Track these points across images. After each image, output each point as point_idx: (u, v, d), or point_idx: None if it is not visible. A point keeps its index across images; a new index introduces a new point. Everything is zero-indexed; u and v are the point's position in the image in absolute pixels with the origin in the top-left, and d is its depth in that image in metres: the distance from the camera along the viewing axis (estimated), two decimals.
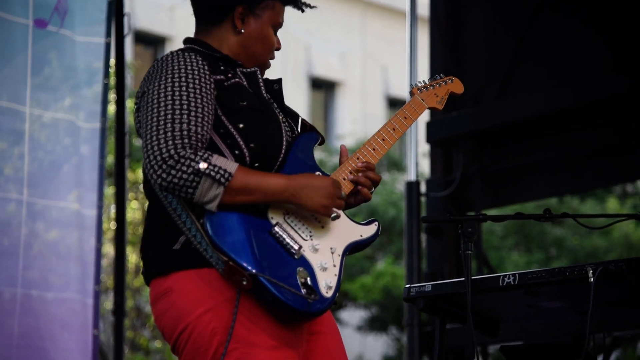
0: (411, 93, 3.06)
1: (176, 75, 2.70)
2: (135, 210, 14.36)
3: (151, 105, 2.68)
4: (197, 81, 2.70)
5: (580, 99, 6.36)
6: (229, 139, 2.71)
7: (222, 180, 2.59)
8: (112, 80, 5.80)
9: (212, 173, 2.59)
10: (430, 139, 7.06)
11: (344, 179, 2.83)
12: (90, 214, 5.14)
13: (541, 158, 6.76)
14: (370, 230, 2.83)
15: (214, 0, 2.89)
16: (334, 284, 2.67)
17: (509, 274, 3.35)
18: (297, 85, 19.67)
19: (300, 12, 2.96)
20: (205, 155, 2.61)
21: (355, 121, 20.13)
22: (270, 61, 2.95)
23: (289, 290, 2.57)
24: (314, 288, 2.60)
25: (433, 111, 3.42)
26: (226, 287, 2.62)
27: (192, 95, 2.68)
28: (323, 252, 2.70)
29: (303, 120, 2.95)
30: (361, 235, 2.80)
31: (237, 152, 2.71)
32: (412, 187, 6.57)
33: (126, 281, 5.82)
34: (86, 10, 5.22)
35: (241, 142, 2.71)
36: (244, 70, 2.85)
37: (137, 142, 15.14)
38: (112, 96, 6.27)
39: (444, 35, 7.12)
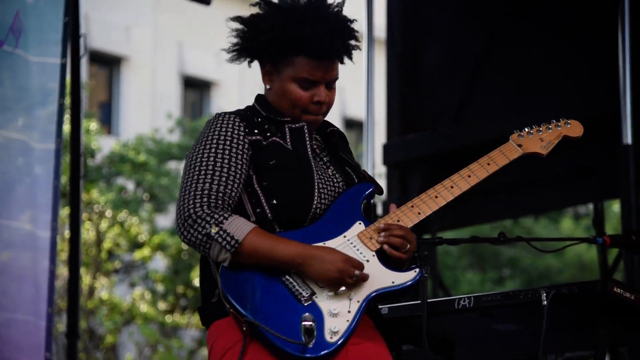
0: (510, 138, 3.03)
1: (209, 138, 2.82)
2: (89, 231, 14.22)
3: (185, 167, 2.83)
4: (228, 143, 2.80)
5: (535, 123, 6.42)
6: (254, 198, 2.80)
7: (228, 247, 2.68)
8: (68, 101, 5.75)
9: (220, 239, 2.68)
10: (386, 161, 7.09)
11: (371, 238, 2.81)
12: (44, 235, 5.08)
13: (497, 181, 6.79)
14: (406, 277, 2.75)
15: (251, 60, 2.95)
16: (342, 329, 2.65)
17: (464, 297, 3.38)
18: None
19: (340, 63, 2.92)
20: (221, 217, 2.70)
21: None
22: (320, 117, 2.91)
23: (279, 337, 2.61)
24: (314, 334, 2.62)
25: (530, 156, 3.07)
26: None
27: (220, 156, 2.78)
28: (339, 299, 2.70)
29: (364, 172, 2.99)
30: (393, 282, 2.74)
31: (258, 210, 2.79)
32: (369, 209, 6.60)
33: (80, 303, 5.76)
34: (41, 31, 5.17)
35: (263, 200, 2.79)
36: (292, 126, 2.90)
37: (92, 162, 15.02)
38: (67, 117, 6.22)
39: (401, 60, 7.17)
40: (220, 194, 2.74)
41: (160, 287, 15.25)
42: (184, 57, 20.20)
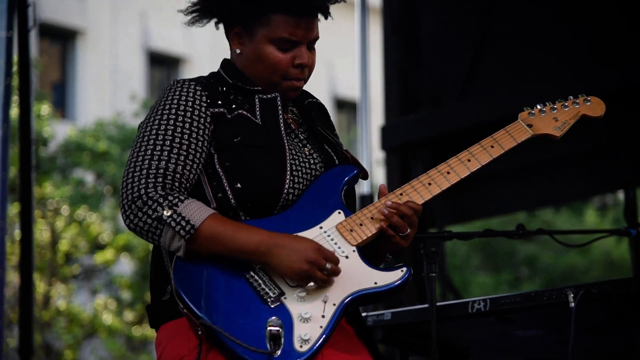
0: (519, 117, 2.97)
1: (165, 108, 2.78)
2: (42, 231, 14.19)
3: (136, 139, 2.78)
4: (189, 115, 2.76)
5: (550, 98, 6.41)
6: (215, 181, 2.76)
7: (183, 233, 2.64)
8: (15, 81, 5.71)
9: (173, 224, 2.64)
10: (385, 145, 7.08)
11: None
12: None
13: (509, 166, 6.82)
14: (390, 277, 2.70)
15: (217, 21, 2.92)
16: (313, 337, 2.61)
17: (478, 299, 3.37)
18: None
19: (324, 18, 2.89)
20: (176, 200, 2.66)
21: None
22: (301, 83, 2.89)
23: (240, 344, 2.56)
24: (281, 341, 2.55)
25: (542, 138, 2.99)
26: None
27: (177, 130, 2.74)
28: (311, 300, 2.65)
29: (346, 152, 2.95)
30: (375, 283, 2.69)
31: (220, 194, 2.75)
32: (366, 201, 6.59)
33: (33, 314, 5.73)
34: None
35: (225, 184, 2.75)
36: (263, 97, 2.87)
37: (45, 152, 14.98)
38: (15, 98, 6.18)
39: (398, 28, 7.15)
40: (178, 175, 2.70)
41: (126, 295, 15.23)
42: (148, 29, 20.15)
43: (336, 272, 2.67)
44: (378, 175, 11.54)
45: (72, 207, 14.70)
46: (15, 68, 5.56)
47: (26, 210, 5.70)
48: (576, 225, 15.03)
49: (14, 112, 6.45)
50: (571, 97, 3.03)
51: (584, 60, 6.36)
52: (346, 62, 19.04)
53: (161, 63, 20.62)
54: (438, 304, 3.26)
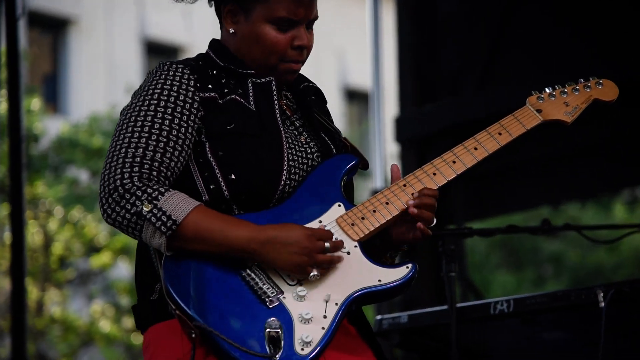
0: (527, 102, 2.97)
1: (149, 93, 2.74)
2: (34, 233, 14.23)
3: (117, 126, 2.74)
4: (173, 100, 2.73)
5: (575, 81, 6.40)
6: (207, 171, 2.73)
7: (164, 229, 2.61)
8: (3, 74, 5.73)
9: (154, 219, 2.61)
10: (400, 137, 7.08)
11: (353, 225, 2.74)
12: None
13: (532, 158, 6.82)
14: (395, 274, 2.69)
15: None
16: (315, 338, 2.59)
17: (501, 300, 3.37)
18: None
19: None
20: (156, 192, 2.63)
21: None
22: (299, 65, 2.87)
23: (237, 347, 2.54)
24: (281, 344, 2.56)
25: (552, 124, 2.99)
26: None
27: (160, 116, 2.71)
28: (312, 300, 2.64)
29: (344, 140, 2.94)
30: (379, 281, 2.67)
31: (212, 186, 2.72)
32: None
33: (26, 322, 5.75)
34: None
35: (219, 174, 2.73)
36: (256, 80, 2.85)
37: (36, 149, 15.02)
38: (3, 92, 6.21)
39: (414, 12, 7.15)
40: (156, 163, 2.67)
41: (124, 301, 15.26)
42: (145, 17, 20.18)
43: (338, 246, 2.66)
44: None
45: (66, 207, 14.74)
46: (3, 60, 5.58)
47: (17, 211, 5.71)
48: (604, 220, 15.01)
49: (3, 107, 6.47)
50: (582, 80, 3.02)
51: (608, 49, 6.37)
52: (357, 50, 19.05)
53: (159, 52, 20.65)
54: (458, 305, 3.26)
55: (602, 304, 3.14)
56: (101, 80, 19.59)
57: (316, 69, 22.62)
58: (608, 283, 3.20)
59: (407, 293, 6.71)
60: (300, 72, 2.94)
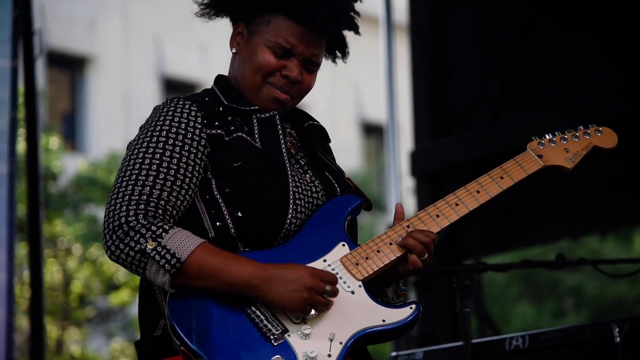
0: (528, 147, 3.01)
1: (156, 129, 2.76)
2: (54, 272, 14.25)
3: (123, 162, 2.76)
4: (181, 137, 2.75)
5: (593, 118, 6.39)
6: (214, 208, 2.75)
7: (168, 267, 2.63)
8: (21, 113, 5.77)
9: (158, 257, 2.63)
10: (415, 172, 7.09)
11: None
12: None
13: (550, 192, 6.80)
14: (399, 314, 2.71)
15: (224, 16, 2.94)
16: None
17: (516, 336, 3.36)
18: None
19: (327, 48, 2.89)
20: (160, 230, 2.64)
21: None
22: (286, 97, 2.87)
23: None
24: None
25: (552, 170, 3.05)
26: None
27: (167, 154, 2.73)
28: (317, 338, 2.65)
29: (348, 179, 2.96)
30: (383, 321, 2.69)
31: (219, 223, 2.74)
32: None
33: None
34: None
35: (225, 211, 2.74)
36: (261, 116, 2.87)
37: (55, 187, 15.08)
38: (21, 131, 6.25)
39: (427, 46, 7.17)
40: (162, 202, 2.69)
41: None
42: (162, 53, 20.30)
43: (335, 292, 2.68)
44: (409, 204, 11.52)
45: (85, 245, 14.77)
46: (21, 100, 5.62)
47: (35, 250, 5.72)
48: (624, 253, 14.95)
49: (21, 146, 6.51)
50: (581, 127, 3.07)
51: (620, 84, 6.37)
52: (374, 84, 19.08)
53: (176, 89, 20.74)
54: (474, 341, 3.25)
55: (618, 339, 3.13)
56: (119, 118, 19.68)
57: (333, 103, 22.67)
58: (623, 318, 3.19)
59: (424, 328, 6.73)
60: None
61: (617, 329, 3.14)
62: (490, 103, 6.88)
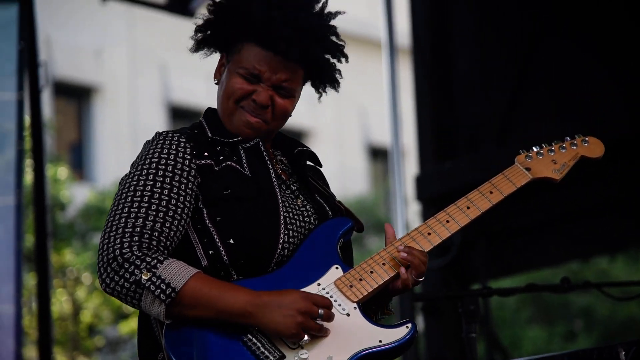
0: (516, 160, 3.05)
1: (147, 162, 2.80)
2: (63, 302, 14.24)
3: (116, 196, 2.81)
4: (170, 169, 2.79)
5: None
6: (206, 237, 2.78)
7: (163, 297, 2.65)
8: (28, 144, 5.80)
9: (153, 287, 2.65)
10: (421, 196, 7.08)
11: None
12: (7, 311, 5.10)
13: (557, 213, 6.79)
14: (395, 334, 2.74)
15: (214, 50, 2.98)
16: None
17: None
18: None
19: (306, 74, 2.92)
20: (154, 261, 2.67)
21: (332, 177, 20.18)
22: (258, 121, 2.89)
23: None
24: None
25: (541, 182, 3.08)
26: None
27: (158, 186, 2.77)
28: None
29: (339, 203, 2.99)
30: (380, 341, 2.72)
31: (211, 251, 2.77)
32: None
33: None
34: None
35: (217, 240, 2.77)
36: (245, 145, 2.90)
37: (63, 217, 15.09)
38: (28, 162, 6.27)
39: (430, 71, 7.19)
40: (156, 233, 2.72)
41: None
42: (169, 82, 20.34)
43: (330, 317, 2.69)
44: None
45: (94, 275, 14.75)
46: (27, 131, 5.64)
47: (43, 280, 5.73)
48: (633, 273, 14.89)
49: (28, 177, 6.53)
50: (568, 138, 3.10)
51: (626, 102, 6.37)
52: (379, 107, 19.09)
53: (183, 117, 20.76)
54: None
55: None
56: (126, 146, 19.70)
57: (339, 127, 22.69)
58: (629, 341, 3.19)
59: (434, 354, 6.71)
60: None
61: (624, 352, 3.14)
62: (495, 124, 6.88)
